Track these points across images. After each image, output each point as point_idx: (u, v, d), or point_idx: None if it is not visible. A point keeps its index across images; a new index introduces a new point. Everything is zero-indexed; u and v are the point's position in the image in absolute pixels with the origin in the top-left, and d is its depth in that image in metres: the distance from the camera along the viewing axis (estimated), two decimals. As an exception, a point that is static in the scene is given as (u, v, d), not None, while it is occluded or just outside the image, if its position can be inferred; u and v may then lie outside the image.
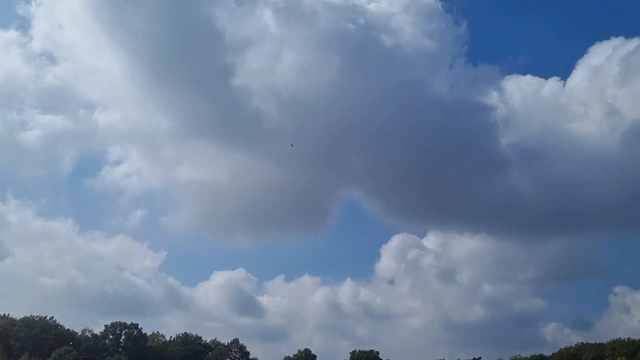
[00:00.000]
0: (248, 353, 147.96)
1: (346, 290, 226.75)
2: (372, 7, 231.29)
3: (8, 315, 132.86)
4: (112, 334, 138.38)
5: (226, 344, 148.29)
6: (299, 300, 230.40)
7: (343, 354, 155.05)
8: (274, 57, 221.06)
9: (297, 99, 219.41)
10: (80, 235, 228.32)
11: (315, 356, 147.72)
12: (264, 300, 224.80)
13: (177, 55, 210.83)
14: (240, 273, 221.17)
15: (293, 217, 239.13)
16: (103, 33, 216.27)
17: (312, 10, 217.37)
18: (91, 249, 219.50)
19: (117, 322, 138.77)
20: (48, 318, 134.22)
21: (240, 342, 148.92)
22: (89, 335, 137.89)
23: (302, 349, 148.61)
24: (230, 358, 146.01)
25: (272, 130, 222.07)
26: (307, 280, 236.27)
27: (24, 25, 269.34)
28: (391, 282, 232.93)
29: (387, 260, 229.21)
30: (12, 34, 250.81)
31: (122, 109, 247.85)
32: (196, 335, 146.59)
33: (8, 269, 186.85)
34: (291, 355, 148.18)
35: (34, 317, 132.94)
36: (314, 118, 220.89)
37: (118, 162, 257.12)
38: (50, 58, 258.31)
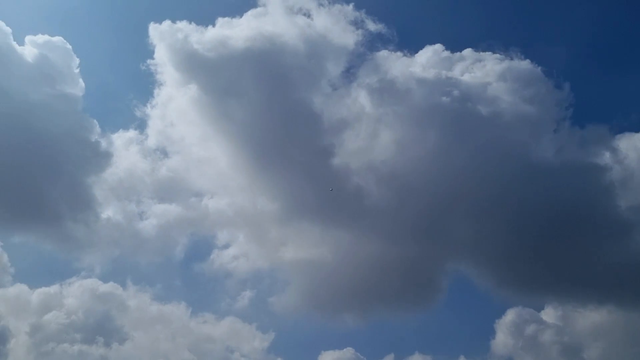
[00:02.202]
0: None
1: None
2: (466, 78, 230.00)
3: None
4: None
5: None
6: None
7: None
8: (371, 136, 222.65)
9: (396, 174, 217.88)
10: (192, 318, 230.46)
11: None
12: None
13: (278, 140, 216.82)
14: (348, 352, 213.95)
15: (400, 293, 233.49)
16: (209, 126, 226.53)
17: (405, 87, 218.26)
18: (202, 331, 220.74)
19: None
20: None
21: None
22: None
23: None
24: None
25: (374, 207, 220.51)
26: (418, 359, 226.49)
27: (141, 125, 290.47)
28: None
29: (502, 337, 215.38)
30: (131, 133, 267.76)
31: (228, 195, 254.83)
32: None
33: (128, 352, 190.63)
34: None
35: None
36: (415, 192, 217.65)
37: (226, 246, 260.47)
38: (163, 152, 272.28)
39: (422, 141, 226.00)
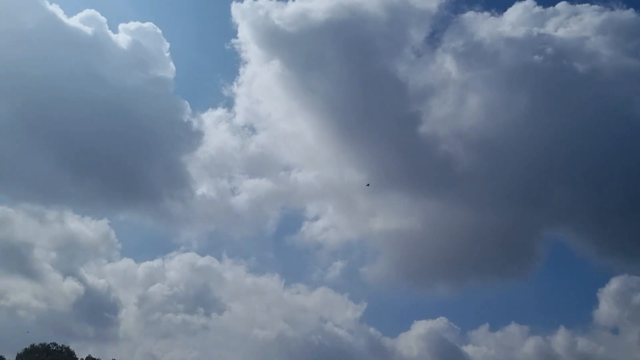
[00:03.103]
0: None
1: (560, 340, 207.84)
2: (561, 33, 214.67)
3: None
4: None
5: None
6: (507, 350, 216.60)
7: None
8: (459, 102, 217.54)
9: (486, 139, 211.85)
10: (286, 289, 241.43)
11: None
12: (469, 350, 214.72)
13: (363, 111, 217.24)
14: (441, 322, 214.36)
15: (495, 261, 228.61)
16: (294, 101, 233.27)
17: (493, 49, 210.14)
18: (296, 302, 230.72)
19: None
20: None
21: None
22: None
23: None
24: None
25: (464, 174, 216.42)
26: (514, 329, 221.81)
27: (229, 104, 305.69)
28: (615, 330, 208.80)
29: (606, 306, 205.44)
30: (220, 112, 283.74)
31: (316, 167, 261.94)
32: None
33: (226, 322, 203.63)
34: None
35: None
36: (508, 157, 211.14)
37: (316, 218, 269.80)
38: (251, 129, 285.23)
39: (513, 104, 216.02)
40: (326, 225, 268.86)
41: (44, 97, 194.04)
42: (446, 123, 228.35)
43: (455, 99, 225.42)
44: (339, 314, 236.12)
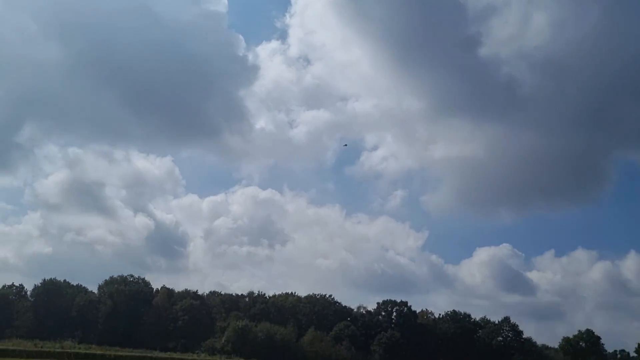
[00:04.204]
0: (521, 332, 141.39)
1: (631, 264, 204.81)
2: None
3: (295, 293, 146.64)
4: (384, 311, 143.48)
5: (496, 322, 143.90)
6: (573, 276, 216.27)
7: (634, 336, 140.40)
8: (522, 20, 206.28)
9: (553, 59, 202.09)
10: (347, 219, 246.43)
11: (599, 337, 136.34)
12: (533, 276, 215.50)
13: (420, 35, 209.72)
14: (505, 249, 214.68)
15: (561, 186, 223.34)
16: (348, 29, 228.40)
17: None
18: (357, 231, 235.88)
19: (388, 299, 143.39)
20: (327, 296, 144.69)
21: (511, 320, 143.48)
22: (364, 312, 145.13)
23: (583, 329, 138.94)
24: (502, 336, 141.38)
25: (528, 96, 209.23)
26: (581, 254, 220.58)
27: (282, 36, 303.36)
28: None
29: None
30: (274, 44, 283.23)
31: (374, 96, 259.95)
32: (465, 313, 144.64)
33: (290, 252, 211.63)
34: (570, 336, 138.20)
35: (315, 295, 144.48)
36: (575, 77, 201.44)
37: (375, 147, 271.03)
38: (306, 60, 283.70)
39: (582, 20, 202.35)
40: (385, 154, 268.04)
41: (103, 40, 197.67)
42: (509, 44, 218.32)
43: (518, 17, 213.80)
44: (401, 242, 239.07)
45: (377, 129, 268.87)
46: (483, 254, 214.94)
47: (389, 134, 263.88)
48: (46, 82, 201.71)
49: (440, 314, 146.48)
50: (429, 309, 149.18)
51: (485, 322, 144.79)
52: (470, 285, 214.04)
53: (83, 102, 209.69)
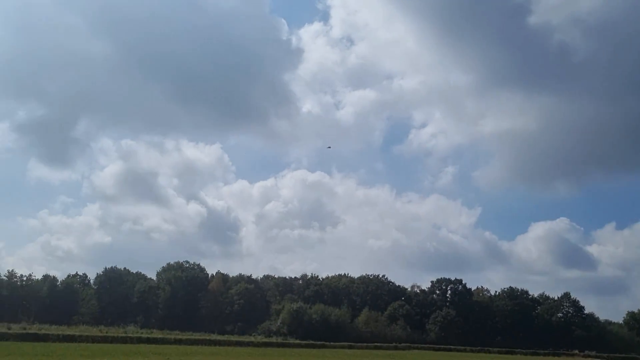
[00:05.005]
0: (582, 307, 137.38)
1: None
2: None
3: (348, 274, 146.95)
4: (439, 290, 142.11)
5: (555, 298, 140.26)
6: (636, 249, 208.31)
7: None
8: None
9: (607, 24, 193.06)
10: (397, 199, 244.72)
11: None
12: (593, 250, 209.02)
13: (465, 7, 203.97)
14: (562, 223, 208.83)
15: (620, 155, 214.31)
16: (391, 6, 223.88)
17: None
18: (408, 211, 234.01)
19: (442, 278, 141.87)
20: (380, 276, 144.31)
21: (571, 295, 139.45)
22: (418, 291, 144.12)
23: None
24: (562, 313, 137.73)
25: (582, 65, 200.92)
26: None
27: (324, 17, 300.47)
28: None
29: None
30: (316, 26, 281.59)
31: (420, 73, 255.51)
32: (522, 290, 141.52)
33: (342, 234, 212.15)
34: (635, 311, 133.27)
35: (368, 275, 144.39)
36: (631, 41, 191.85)
37: (423, 125, 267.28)
38: (349, 40, 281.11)
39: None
40: (434, 131, 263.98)
41: (149, 33, 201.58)
42: (560, 10, 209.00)
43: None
44: (453, 220, 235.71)
45: (425, 106, 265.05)
46: (539, 229, 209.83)
47: (437, 110, 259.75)
48: (97, 78, 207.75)
49: (496, 291, 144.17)
50: (484, 287, 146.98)
51: (543, 298, 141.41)
52: (526, 261, 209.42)
53: (133, 95, 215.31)
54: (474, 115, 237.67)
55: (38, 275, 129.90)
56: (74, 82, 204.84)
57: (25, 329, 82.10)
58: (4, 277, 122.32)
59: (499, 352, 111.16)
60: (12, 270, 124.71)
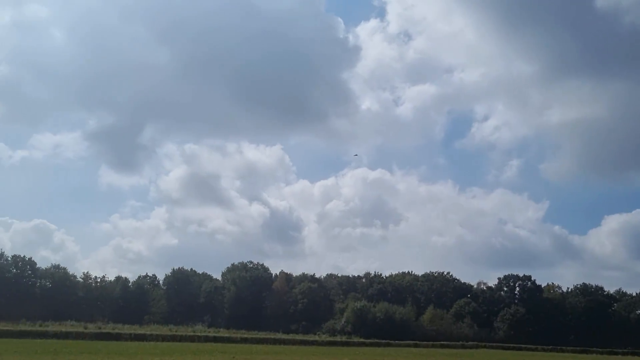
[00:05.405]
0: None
1: None
2: None
3: (411, 272, 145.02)
4: (506, 286, 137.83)
5: (634, 294, 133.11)
6: None
7: None
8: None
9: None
10: (461, 194, 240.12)
11: None
12: None
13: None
14: (638, 215, 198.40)
15: None
16: (449, 0, 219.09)
17: None
18: (472, 206, 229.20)
19: (509, 274, 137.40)
20: (445, 273, 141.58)
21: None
22: (484, 288, 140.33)
23: None
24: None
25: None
26: None
27: (380, 13, 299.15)
28: None
29: None
30: (372, 23, 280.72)
31: (480, 65, 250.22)
32: (596, 286, 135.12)
33: (405, 231, 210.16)
34: None
35: (433, 272, 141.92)
36: None
37: (486, 118, 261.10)
38: (407, 35, 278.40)
39: None
40: (497, 124, 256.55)
41: (208, 39, 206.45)
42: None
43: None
44: (519, 214, 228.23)
45: (487, 99, 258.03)
46: (613, 222, 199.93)
47: (499, 103, 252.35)
48: (161, 85, 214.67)
49: (568, 288, 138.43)
50: (555, 283, 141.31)
51: (620, 294, 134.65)
52: (600, 256, 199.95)
53: (195, 100, 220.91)
54: (539, 105, 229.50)
55: (111, 277, 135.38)
56: (139, 90, 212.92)
57: (100, 328, 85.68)
58: (80, 279, 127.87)
59: (573, 352, 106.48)
60: (87, 272, 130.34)
